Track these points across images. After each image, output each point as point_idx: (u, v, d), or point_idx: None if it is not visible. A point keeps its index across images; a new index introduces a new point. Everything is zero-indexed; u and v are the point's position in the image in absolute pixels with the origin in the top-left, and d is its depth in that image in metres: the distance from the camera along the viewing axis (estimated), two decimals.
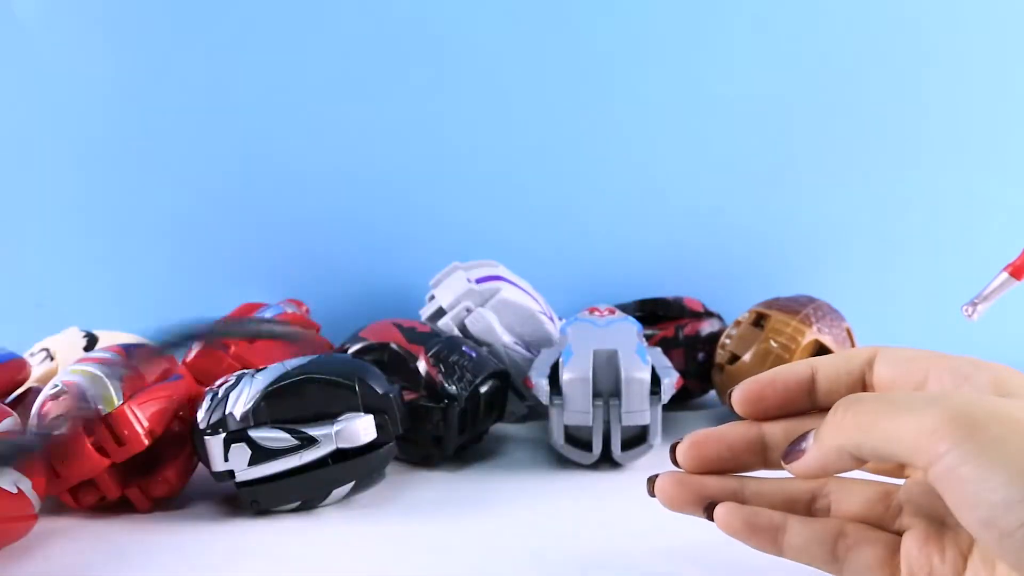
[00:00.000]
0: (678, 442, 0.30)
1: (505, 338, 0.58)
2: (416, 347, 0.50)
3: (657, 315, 0.64)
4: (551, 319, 0.60)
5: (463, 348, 0.51)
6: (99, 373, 0.41)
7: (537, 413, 0.59)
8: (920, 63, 0.71)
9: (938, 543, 0.25)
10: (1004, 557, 0.20)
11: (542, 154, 0.73)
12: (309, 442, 0.40)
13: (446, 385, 0.48)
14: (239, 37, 0.71)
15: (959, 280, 0.51)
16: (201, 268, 0.74)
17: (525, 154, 0.73)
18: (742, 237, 0.74)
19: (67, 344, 0.57)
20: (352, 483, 0.42)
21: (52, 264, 0.74)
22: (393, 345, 0.50)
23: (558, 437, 0.48)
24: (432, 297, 0.61)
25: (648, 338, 0.60)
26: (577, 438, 0.48)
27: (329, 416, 0.41)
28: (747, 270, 0.74)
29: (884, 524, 0.27)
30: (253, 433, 0.40)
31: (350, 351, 0.51)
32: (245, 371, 0.43)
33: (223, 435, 0.40)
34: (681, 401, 0.61)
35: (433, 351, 0.50)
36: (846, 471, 0.25)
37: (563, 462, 0.49)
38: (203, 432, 0.40)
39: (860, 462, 0.24)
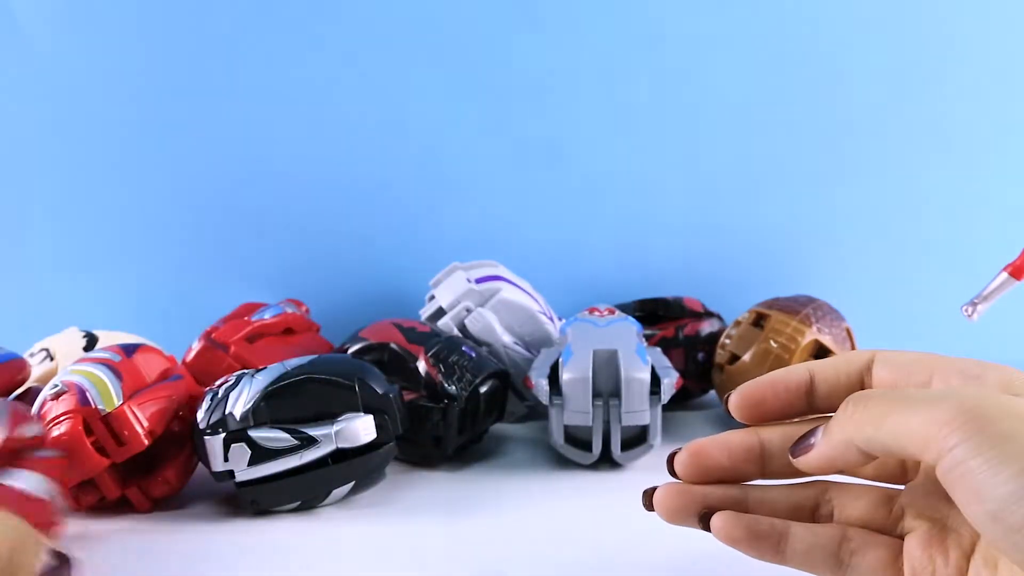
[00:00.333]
0: (675, 452, 0.29)
1: (505, 338, 0.58)
2: (416, 347, 0.50)
3: (657, 315, 0.64)
4: (551, 319, 0.60)
5: (463, 348, 0.51)
6: (99, 373, 0.42)
7: (537, 413, 0.59)
8: (920, 63, 0.71)
9: (941, 545, 0.25)
10: (1010, 553, 0.20)
11: (542, 154, 0.73)
12: (309, 442, 0.40)
13: (446, 385, 0.48)
14: (240, 37, 0.71)
15: (959, 280, 0.51)
16: (201, 268, 0.74)
17: (525, 154, 0.73)
18: (742, 237, 0.74)
19: (67, 344, 0.57)
20: (352, 483, 0.42)
21: (52, 264, 0.74)
22: (393, 345, 0.50)
23: (558, 437, 0.48)
24: (432, 297, 0.61)
25: (648, 338, 0.60)
26: (577, 438, 0.48)
27: (329, 416, 0.41)
28: (747, 270, 0.74)
29: (887, 528, 0.27)
30: (253, 433, 0.40)
31: (350, 351, 0.51)
32: (245, 371, 0.43)
33: (223, 435, 0.40)
34: (681, 401, 0.61)
35: (433, 351, 0.50)
36: (855, 466, 0.25)
37: (563, 462, 0.49)
38: (203, 432, 0.40)
39: (869, 457, 0.24)
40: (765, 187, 0.73)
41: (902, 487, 0.28)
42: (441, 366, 0.49)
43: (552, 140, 0.73)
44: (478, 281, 0.59)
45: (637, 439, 0.48)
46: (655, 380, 0.47)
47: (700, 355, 0.61)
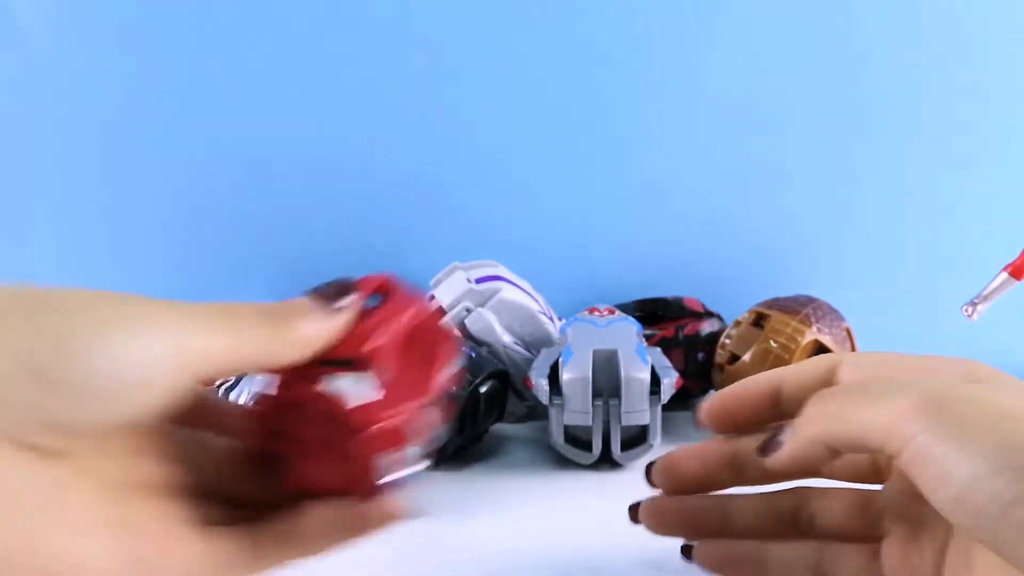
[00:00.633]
0: (651, 465, 0.29)
1: (505, 338, 0.58)
2: None
3: (657, 315, 0.64)
4: (551, 319, 0.60)
5: (463, 348, 0.51)
6: None
7: (537, 413, 0.59)
8: (921, 63, 0.71)
9: (916, 543, 0.25)
10: (979, 534, 0.20)
11: (543, 154, 0.73)
12: None
13: None
14: (240, 37, 0.71)
15: (959, 280, 0.51)
16: (201, 268, 0.74)
17: (525, 154, 0.73)
18: (742, 237, 0.74)
19: None
20: None
21: (52, 264, 0.74)
22: None
23: (558, 437, 0.48)
24: (432, 297, 0.61)
25: (648, 338, 0.60)
26: (577, 438, 0.48)
27: None
28: (747, 270, 0.74)
29: (867, 531, 0.27)
30: None
31: None
32: None
33: None
34: (681, 401, 0.61)
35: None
36: (823, 463, 0.25)
37: (563, 462, 0.49)
38: None
39: (836, 453, 0.24)
40: (765, 187, 0.73)
41: (880, 487, 0.28)
42: None
43: (552, 140, 0.73)
44: (478, 281, 0.59)
45: (637, 439, 0.48)
46: (655, 380, 0.47)
47: (700, 355, 0.61)
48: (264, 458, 0.25)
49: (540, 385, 0.47)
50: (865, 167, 0.72)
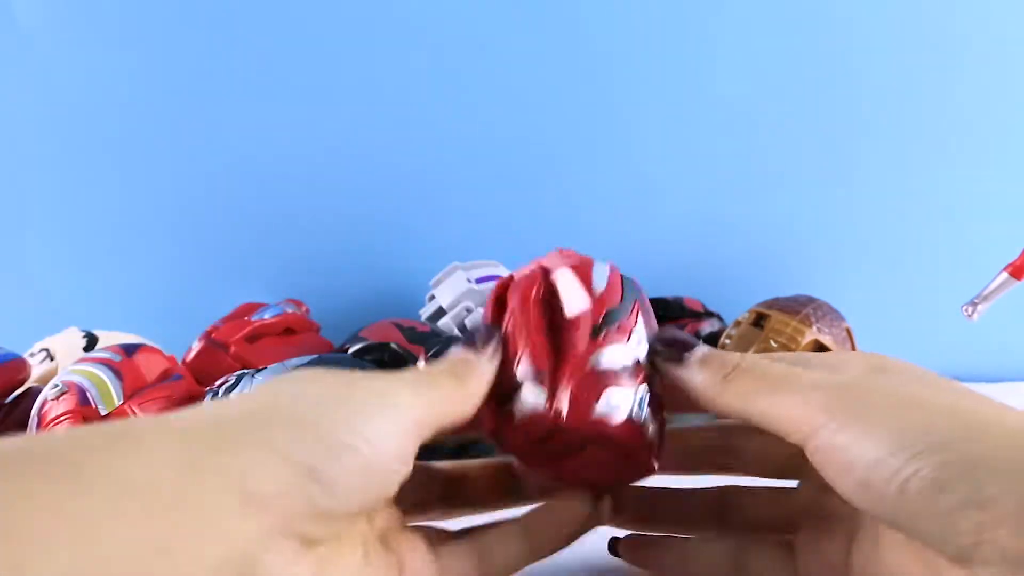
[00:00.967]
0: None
1: None
2: (416, 347, 0.50)
3: (657, 315, 0.63)
4: None
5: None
6: (100, 373, 0.42)
7: None
8: (919, 63, 0.71)
9: (828, 533, 0.26)
10: (880, 514, 0.21)
11: (543, 154, 0.73)
12: None
13: None
14: (240, 36, 0.71)
15: (959, 280, 0.51)
16: (201, 268, 0.74)
17: (526, 154, 0.73)
18: (742, 237, 0.74)
19: (67, 344, 0.57)
20: None
21: (52, 264, 0.74)
22: (393, 345, 0.50)
23: None
24: (432, 297, 0.61)
25: None
26: None
27: None
28: (747, 270, 0.74)
29: (787, 525, 0.29)
30: None
31: (350, 351, 0.51)
32: (245, 371, 0.43)
33: None
34: None
35: (433, 351, 0.50)
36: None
37: None
38: None
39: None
40: (765, 187, 0.73)
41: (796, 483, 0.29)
42: None
43: (552, 140, 0.73)
44: (478, 281, 0.59)
45: None
46: None
47: None
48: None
49: None
50: (865, 167, 0.72)
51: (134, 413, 0.40)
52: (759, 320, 0.57)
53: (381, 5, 0.70)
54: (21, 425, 0.44)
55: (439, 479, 0.32)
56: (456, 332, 0.57)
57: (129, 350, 0.44)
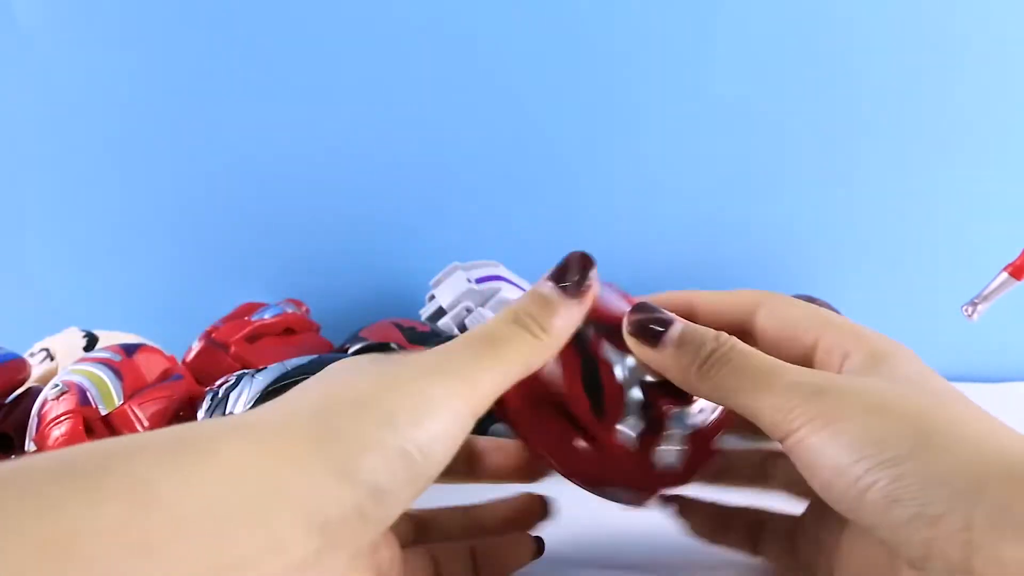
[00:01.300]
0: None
1: None
2: (416, 347, 0.50)
3: None
4: None
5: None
6: (100, 373, 0.42)
7: None
8: (919, 63, 0.71)
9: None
10: (844, 513, 0.22)
11: (543, 155, 0.73)
12: None
13: None
14: (239, 36, 0.71)
15: (959, 280, 0.51)
16: (201, 268, 0.74)
17: (526, 154, 0.73)
18: (742, 237, 0.74)
19: (67, 344, 0.57)
20: None
21: (52, 264, 0.74)
22: (393, 345, 0.50)
23: None
24: (432, 297, 0.61)
25: None
26: None
27: None
28: (747, 270, 0.74)
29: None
30: None
31: (350, 351, 0.51)
32: (245, 371, 0.43)
33: None
34: None
35: None
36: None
37: None
38: None
39: None
40: (765, 187, 0.73)
41: None
42: None
43: (552, 140, 0.73)
44: (478, 281, 0.59)
45: None
46: None
47: None
48: None
49: None
50: (865, 167, 0.72)
51: (134, 413, 0.40)
52: None
53: (381, 5, 0.70)
54: (21, 425, 0.44)
55: None
56: (456, 332, 0.57)
57: (129, 350, 0.44)
